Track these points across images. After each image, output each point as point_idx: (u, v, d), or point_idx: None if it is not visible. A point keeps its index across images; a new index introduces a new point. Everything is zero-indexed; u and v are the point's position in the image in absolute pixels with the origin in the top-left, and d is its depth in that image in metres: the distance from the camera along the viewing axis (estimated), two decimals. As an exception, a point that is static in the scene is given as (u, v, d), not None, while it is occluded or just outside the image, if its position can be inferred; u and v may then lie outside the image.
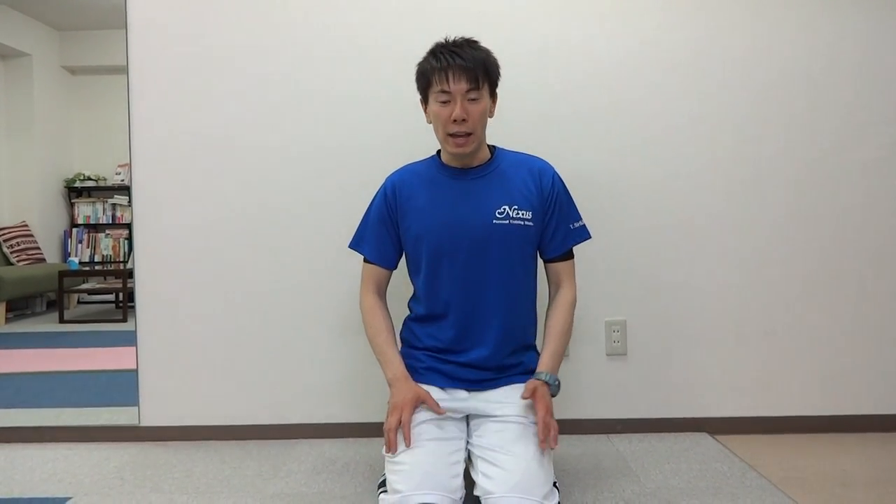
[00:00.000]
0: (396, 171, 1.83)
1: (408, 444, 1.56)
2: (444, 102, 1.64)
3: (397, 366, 1.71)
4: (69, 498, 1.80)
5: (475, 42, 1.68)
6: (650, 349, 2.27)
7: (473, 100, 1.63)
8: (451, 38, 1.68)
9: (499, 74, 1.71)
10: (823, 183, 2.24)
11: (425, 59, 1.68)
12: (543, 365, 1.71)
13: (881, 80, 2.23)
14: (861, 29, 2.22)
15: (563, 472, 1.92)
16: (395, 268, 1.84)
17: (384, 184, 1.81)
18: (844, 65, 2.23)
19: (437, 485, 1.49)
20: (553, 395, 1.66)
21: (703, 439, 2.19)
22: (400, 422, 1.59)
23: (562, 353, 1.74)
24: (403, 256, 1.84)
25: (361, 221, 1.85)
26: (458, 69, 1.60)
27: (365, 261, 1.82)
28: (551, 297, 1.81)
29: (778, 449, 2.10)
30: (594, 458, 2.04)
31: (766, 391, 2.26)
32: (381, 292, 1.83)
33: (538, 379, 1.66)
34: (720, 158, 2.24)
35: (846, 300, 2.25)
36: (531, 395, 1.63)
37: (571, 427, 2.25)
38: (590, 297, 2.23)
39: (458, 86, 1.61)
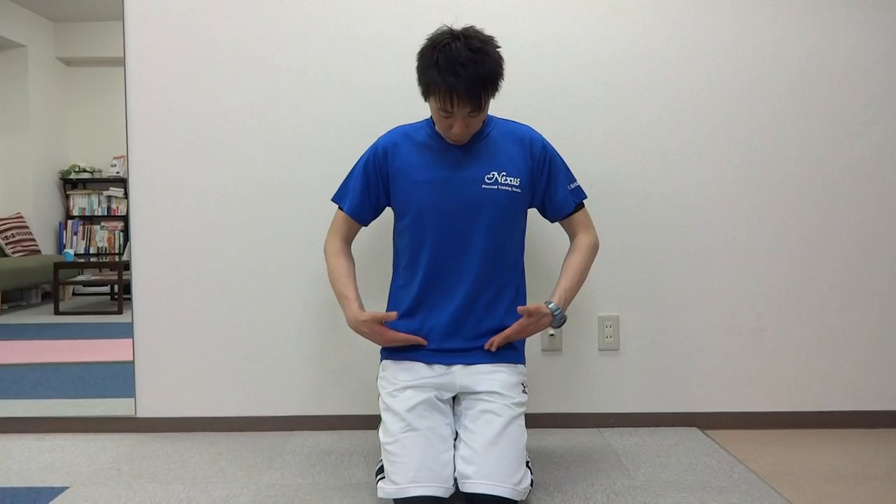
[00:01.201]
0: (388, 132, 1.85)
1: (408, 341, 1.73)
2: (445, 115, 1.64)
3: (355, 308, 1.76)
4: (66, 487, 1.82)
5: (481, 48, 1.59)
6: (642, 345, 2.29)
7: (474, 115, 1.64)
8: (457, 31, 1.61)
9: (503, 78, 1.66)
10: (814, 181, 2.27)
11: (428, 67, 1.60)
12: (554, 296, 1.78)
13: (871, 80, 2.25)
14: (850, 28, 2.25)
15: (554, 464, 1.95)
16: (367, 225, 1.89)
17: (375, 143, 1.83)
18: (834, 64, 2.25)
19: (432, 476, 1.55)
20: (555, 327, 1.78)
21: (693, 434, 2.22)
22: (378, 332, 1.73)
23: (574, 290, 1.80)
24: (393, 222, 1.87)
25: (347, 176, 1.88)
26: (462, 94, 1.56)
27: (339, 209, 1.86)
28: (570, 245, 1.88)
29: (767, 444, 2.14)
30: (585, 451, 2.07)
31: (755, 387, 2.29)
32: (348, 241, 1.89)
33: (546, 305, 1.74)
34: (712, 156, 2.26)
35: (835, 298, 2.29)
36: (528, 311, 1.70)
37: (563, 420, 2.28)
38: (583, 292, 2.24)
39: (462, 110, 1.60)
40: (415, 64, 1.67)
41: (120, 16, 2.23)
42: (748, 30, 2.24)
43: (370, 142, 2.07)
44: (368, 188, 1.81)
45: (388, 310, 1.86)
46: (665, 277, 2.28)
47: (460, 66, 1.55)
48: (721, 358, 2.29)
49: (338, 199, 1.88)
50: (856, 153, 2.26)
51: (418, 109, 1.81)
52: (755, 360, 2.29)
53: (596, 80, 2.24)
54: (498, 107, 1.84)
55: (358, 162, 1.85)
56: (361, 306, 1.77)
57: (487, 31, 1.65)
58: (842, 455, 2.04)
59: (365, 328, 1.73)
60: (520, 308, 1.70)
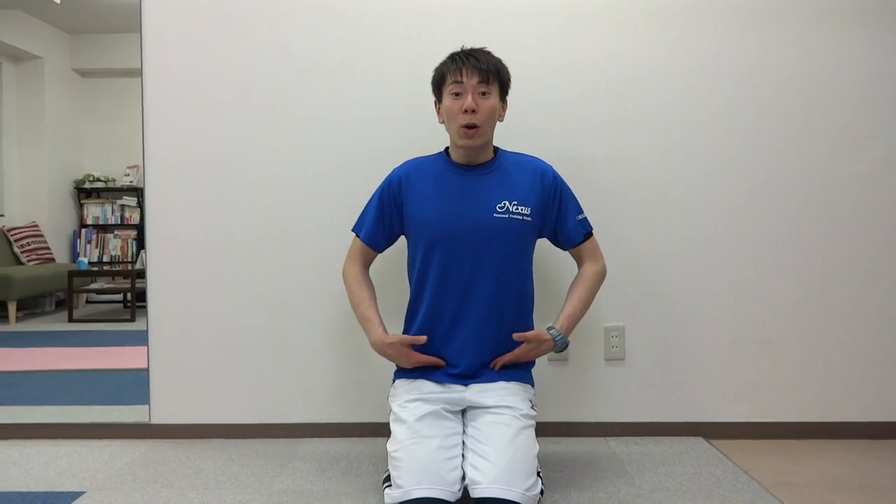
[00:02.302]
0: (403, 164, 1.94)
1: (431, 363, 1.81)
2: (456, 95, 1.76)
3: (380, 332, 1.84)
4: (83, 492, 1.86)
5: (489, 51, 1.82)
6: (648, 355, 2.32)
7: (484, 94, 1.76)
8: (468, 47, 1.84)
9: (509, 80, 1.85)
10: (820, 193, 2.29)
11: (442, 62, 1.83)
12: (557, 322, 1.85)
13: (877, 94, 2.28)
14: (857, 43, 2.28)
15: (559, 472, 1.98)
16: (381, 251, 1.97)
17: (390, 174, 1.93)
18: (841, 78, 2.28)
19: (436, 480, 1.58)
20: (557, 352, 1.85)
21: (698, 443, 2.24)
22: (404, 355, 1.80)
23: (577, 317, 1.88)
24: (407, 256, 1.95)
25: (365, 205, 1.97)
26: (472, 66, 1.75)
27: (357, 237, 1.96)
28: (577, 272, 1.96)
29: (771, 454, 2.16)
30: (591, 459, 2.10)
31: (760, 397, 2.32)
32: (365, 266, 1.98)
33: (548, 331, 1.81)
34: (719, 168, 2.29)
35: (840, 310, 2.31)
36: (527, 339, 1.78)
37: (570, 429, 2.31)
38: (589, 303, 2.28)
39: (471, 80, 1.74)
40: (428, 77, 1.85)
41: (134, 29, 2.30)
42: (754, 43, 2.28)
43: (383, 154, 2.15)
44: (383, 218, 1.90)
45: (404, 331, 1.93)
46: (670, 288, 2.31)
47: (471, 51, 1.80)
48: (726, 368, 2.31)
49: (356, 227, 1.97)
50: (861, 165, 2.29)
51: (432, 123, 1.89)
52: (760, 370, 2.31)
53: (601, 99, 2.28)
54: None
55: (375, 192, 1.94)
56: (385, 329, 1.85)
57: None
58: (846, 465, 2.06)
59: (391, 350, 1.81)
60: (516, 335, 1.78)
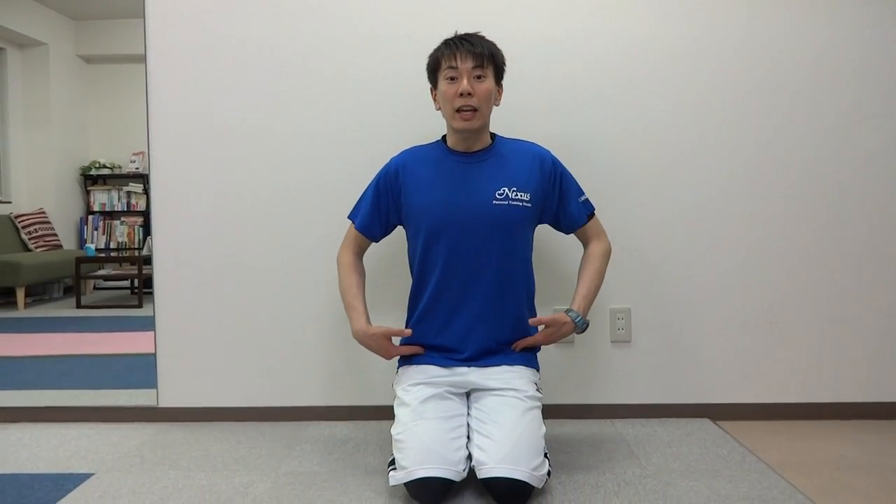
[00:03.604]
0: (401, 153, 1.94)
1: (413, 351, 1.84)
2: (451, 79, 1.76)
3: (363, 322, 1.85)
4: (92, 474, 1.88)
5: (482, 35, 1.81)
6: (654, 336, 2.31)
7: (479, 77, 1.75)
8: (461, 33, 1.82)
9: (504, 63, 1.84)
10: (826, 175, 2.27)
11: (436, 48, 1.83)
12: (574, 303, 1.85)
13: (881, 74, 2.25)
14: (860, 22, 2.24)
15: (566, 453, 1.98)
16: (377, 241, 1.97)
17: (388, 163, 1.92)
18: (845, 58, 2.25)
19: (439, 459, 1.59)
20: (579, 333, 1.86)
21: (705, 425, 2.24)
22: (384, 348, 1.82)
23: (592, 296, 1.89)
24: (406, 239, 1.95)
25: (362, 193, 1.97)
26: (466, 50, 1.75)
27: (352, 225, 1.95)
28: (584, 253, 1.96)
29: (778, 434, 2.15)
30: (597, 441, 2.10)
31: (767, 379, 2.31)
32: (359, 254, 1.98)
33: (566, 314, 1.81)
34: (724, 150, 2.27)
35: (847, 290, 2.29)
36: (545, 323, 1.80)
37: (576, 411, 2.31)
38: (595, 285, 2.28)
39: (465, 64, 1.74)
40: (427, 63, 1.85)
41: (139, 14, 2.28)
42: (760, 25, 2.25)
43: (387, 142, 2.13)
44: (379, 207, 1.90)
45: (407, 320, 1.93)
46: (677, 270, 2.30)
47: (464, 36, 1.80)
48: (733, 349, 2.31)
49: (352, 215, 1.97)
50: (868, 147, 2.27)
51: (433, 108, 1.86)
52: (767, 351, 2.30)
53: (606, 77, 2.26)
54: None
55: (372, 181, 1.94)
56: (368, 320, 1.86)
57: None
58: (853, 445, 2.05)
59: (371, 342, 1.82)
60: (532, 320, 1.80)
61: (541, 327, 1.85)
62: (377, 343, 1.81)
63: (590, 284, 1.88)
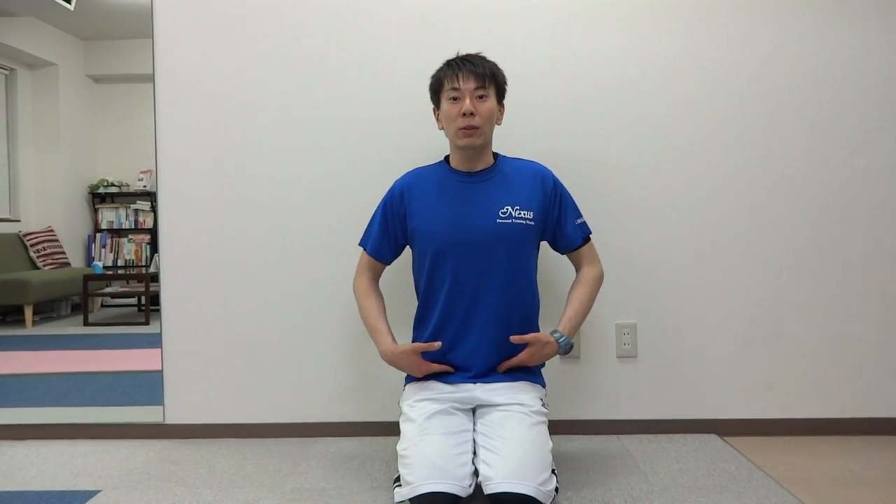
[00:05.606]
0: (404, 175, 1.96)
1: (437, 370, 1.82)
2: (453, 100, 1.78)
3: (389, 342, 1.86)
4: (99, 491, 1.88)
5: (484, 56, 1.85)
6: (660, 352, 2.31)
7: (481, 97, 1.78)
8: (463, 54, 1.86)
9: (505, 83, 1.87)
10: (831, 188, 2.28)
11: (439, 69, 1.86)
12: (560, 324, 1.85)
13: (886, 87, 2.26)
14: (864, 36, 2.26)
15: (572, 470, 1.97)
16: (389, 263, 1.98)
17: (392, 186, 1.94)
18: (855, 71, 2.26)
19: (444, 474, 1.58)
20: (562, 354, 1.84)
21: (712, 440, 2.23)
22: (415, 364, 1.81)
23: (579, 319, 1.88)
24: (410, 259, 1.97)
25: (370, 219, 1.99)
26: (468, 71, 1.78)
27: (364, 251, 1.98)
28: (576, 276, 1.96)
29: (786, 450, 2.14)
30: (604, 457, 2.09)
31: (774, 394, 2.30)
32: (374, 279, 2.00)
33: (551, 334, 1.81)
34: (728, 164, 2.28)
35: (852, 305, 2.29)
36: (527, 341, 1.77)
37: (582, 427, 2.30)
38: (600, 300, 2.26)
39: (467, 84, 1.77)
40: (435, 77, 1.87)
41: (147, 35, 2.32)
42: (763, 37, 2.26)
43: (394, 156, 2.15)
44: (387, 230, 1.92)
45: (414, 339, 1.94)
46: (682, 285, 2.30)
47: (466, 57, 1.83)
48: (739, 365, 2.30)
49: (363, 242, 1.99)
50: (873, 159, 2.27)
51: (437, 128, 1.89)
52: (773, 366, 2.30)
53: (611, 97, 2.28)
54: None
55: (378, 205, 1.96)
56: (394, 340, 1.86)
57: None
58: (861, 461, 2.04)
59: (401, 360, 1.82)
60: (515, 338, 1.77)
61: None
62: (408, 360, 1.81)
63: (578, 307, 1.88)
